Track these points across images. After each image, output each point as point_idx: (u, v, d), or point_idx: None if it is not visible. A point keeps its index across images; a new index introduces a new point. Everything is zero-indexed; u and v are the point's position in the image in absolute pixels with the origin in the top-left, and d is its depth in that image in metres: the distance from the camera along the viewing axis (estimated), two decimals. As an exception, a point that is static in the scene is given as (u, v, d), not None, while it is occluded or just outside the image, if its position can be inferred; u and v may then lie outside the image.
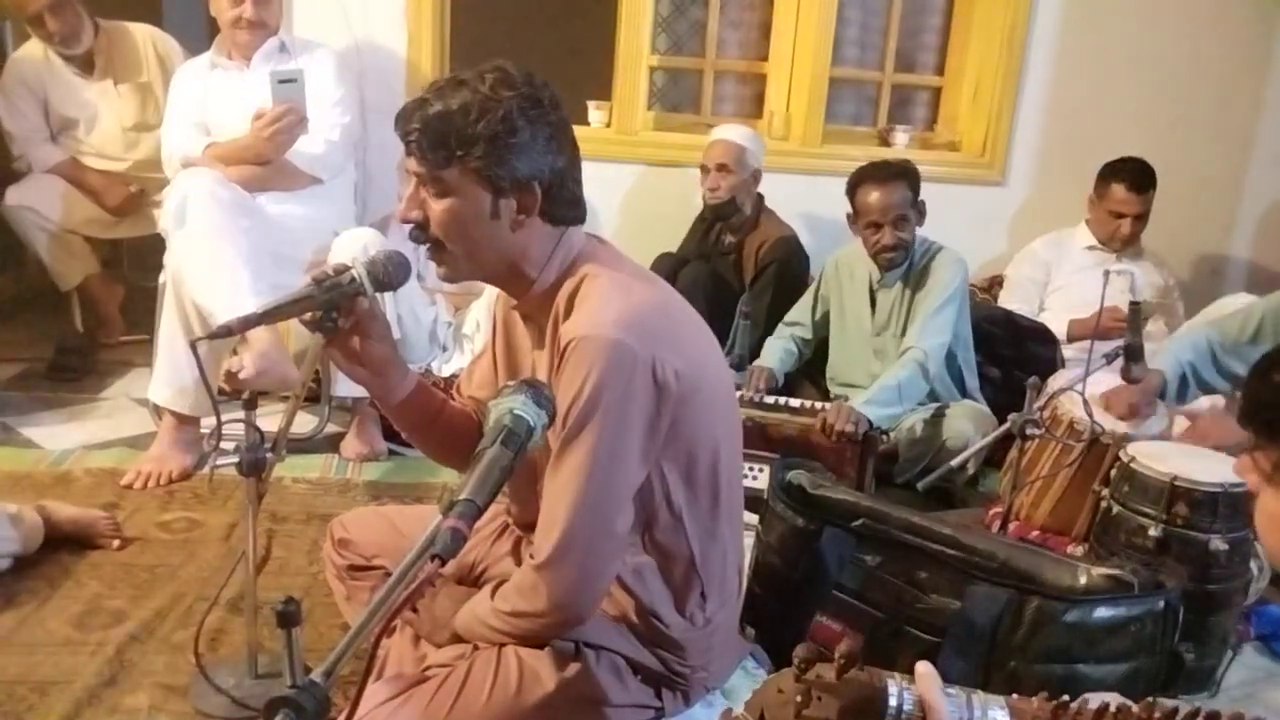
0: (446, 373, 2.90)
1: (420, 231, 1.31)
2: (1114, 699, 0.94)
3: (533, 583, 1.28)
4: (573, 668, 1.32)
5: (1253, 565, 2.00)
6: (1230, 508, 1.91)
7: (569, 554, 1.25)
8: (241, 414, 1.63)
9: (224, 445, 1.70)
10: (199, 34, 3.34)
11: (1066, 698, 0.93)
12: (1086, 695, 0.95)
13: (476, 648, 1.34)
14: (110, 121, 3.20)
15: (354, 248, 2.56)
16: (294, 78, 2.66)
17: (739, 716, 0.93)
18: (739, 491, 1.48)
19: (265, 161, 2.73)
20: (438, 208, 1.29)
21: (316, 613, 1.98)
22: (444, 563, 0.86)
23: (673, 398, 1.26)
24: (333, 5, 3.25)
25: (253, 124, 2.68)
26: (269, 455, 1.64)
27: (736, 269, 3.22)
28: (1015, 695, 0.95)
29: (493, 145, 1.24)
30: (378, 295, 1.47)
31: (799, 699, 0.88)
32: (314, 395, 2.89)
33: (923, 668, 0.90)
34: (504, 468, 0.98)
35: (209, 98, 2.85)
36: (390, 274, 1.62)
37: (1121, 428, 2.29)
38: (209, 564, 2.18)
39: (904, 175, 2.76)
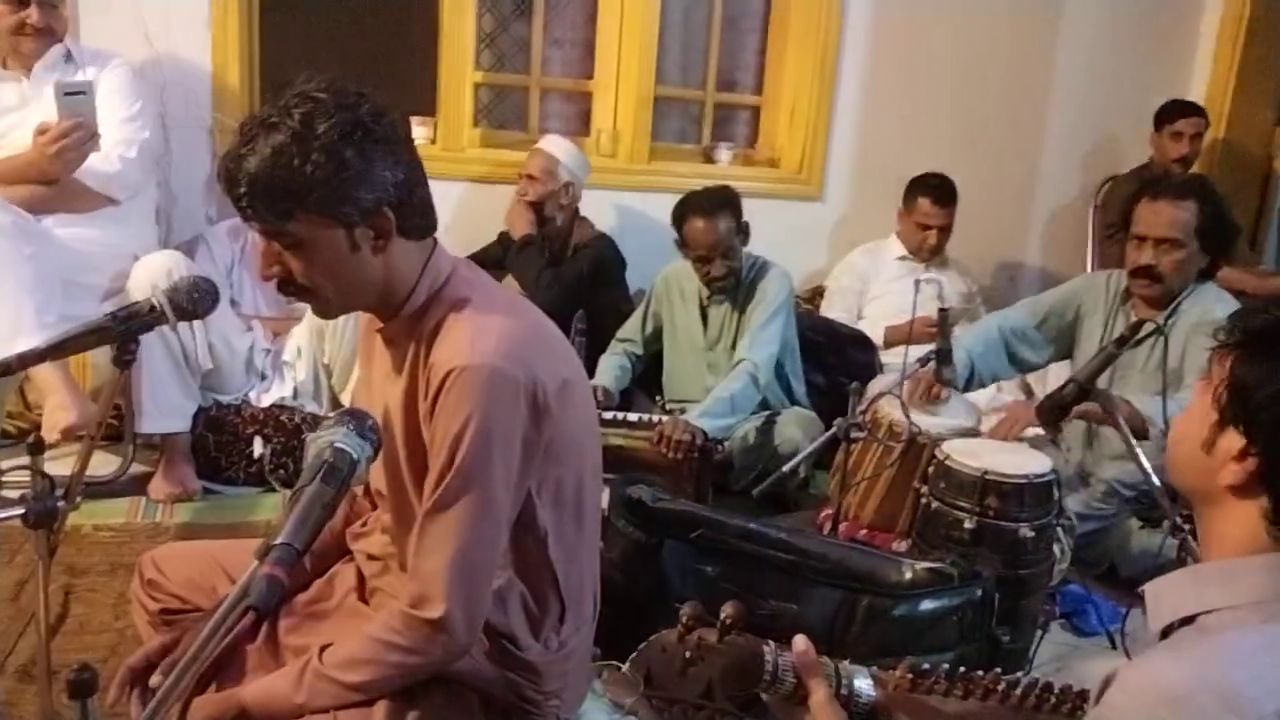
0: (266, 403, 2.74)
1: (287, 284, 1.25)
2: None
3: (408, 623, 1.22)
4: (416, 715, 1.25)
5: (1055, 549, 2.15)
6: (1035, 498, 2.05)
7: (459, 592, 1.21)
8: (26, 459, 1.47)
9: (7, 494, 1.54)
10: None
11: (927, 666, 0.99)
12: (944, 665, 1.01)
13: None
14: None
15: (155, 273, 2.40)
16: (83, 90, 2.47)
17: (626, 672, 0.96)
18: (598, 513, 1.46)
19: (51, 181, 2.52)
20: (295, 259, 1.22)
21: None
22: (260, 616, 0.80)
23: (551, 420, 1.25)
24: (127, 13, 3.02)
25: (35, 140, 2.46)
26: (60, 504, 1.48)
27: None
28: (875, 667, 1.01)
29: (326, 186, 1.17)
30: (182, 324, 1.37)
31: (684, 656, 0.91)
32: (116, 433, 2.67)
33: (800, 643, 0.97)
34: (325, 505, 0.92)
35: (-18, 111, 2.60)
36: (195, 301, 1.53)
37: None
38: (-5, 628, 1.96)
39: (727, 205, 2.83)
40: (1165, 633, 0.88)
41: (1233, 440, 0.86)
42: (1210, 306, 2.47)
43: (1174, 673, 0.79)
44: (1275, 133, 4.05)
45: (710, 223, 2.79)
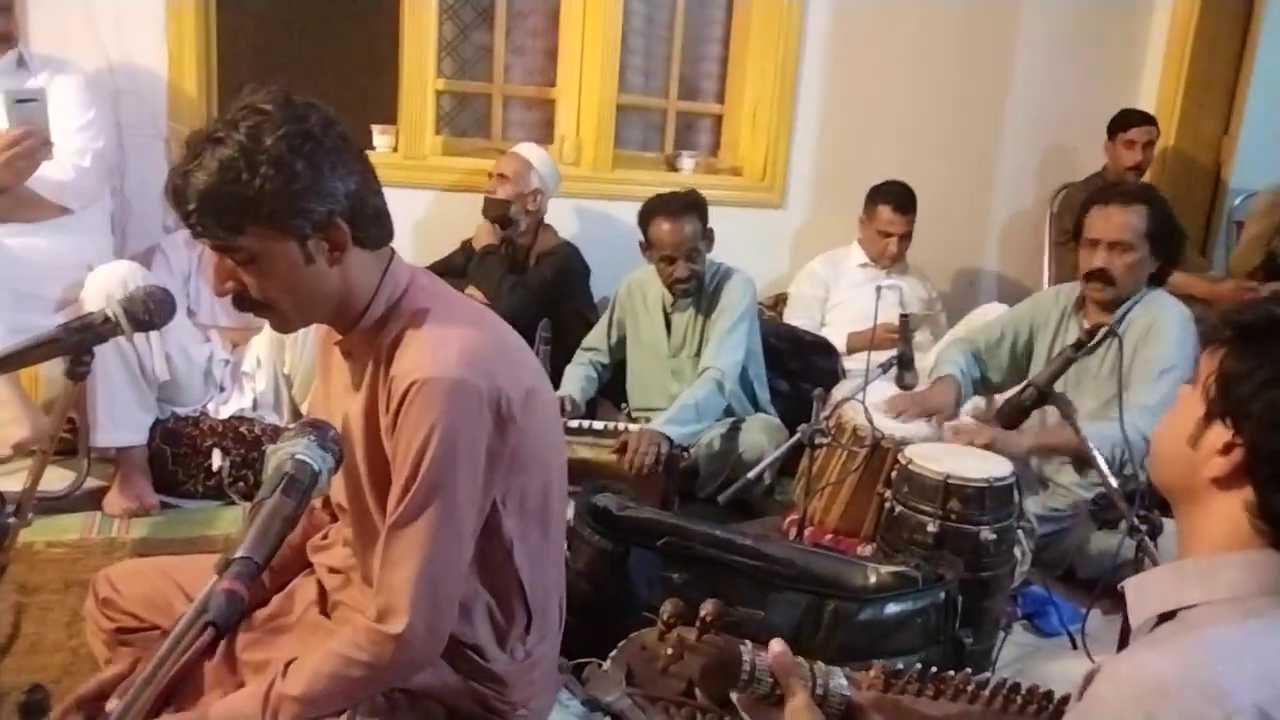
0: (225, 414, 2.70)
1: (242, 299, 1.24)
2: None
3: (372, 637, 1.21)
4: None
5: (1016, 551, 2.18)
6: (996, 501, 2.07)
7: (424, 605, 1.20)
8: (-25, 476, 1.43)
9: (-46, 512, 1.49)
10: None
11: (900, 667, 1.00)
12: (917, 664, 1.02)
13: None
14: None
15: (110, 284, 2.35)
16: (34, 97, 2.43)
17: (608, 670, 0.96)
18: (564, 522, 1.46)
19: (1, 190, 2.45)
20: (249, 274, 1.21)
21: (79, 692, 1.76)
22: (220, 632, 0.78)
23: (516, 430, 1.25)
24: (80, 20, 2.96)
25: (-16, 147, 2.40)
26: (12, 520, 1.44)
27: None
28: (848, 668, 1.02)
29: (276, 199, 1.15)
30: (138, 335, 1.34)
31: (666, 654, 0.92)
32: (70, 447, 2.61)
33: (777, 645, 0.98)
34: (286, 518, 0.91)
35: (-71, 118, 2.53)
36: (152, 312, 1.50)
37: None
38: (-57, 649, 1.91)
39: (694, 207, 2.84)
40: (1126, 635, 0.90)
41: (1219, 434, 0.86)
42: (1161, 311, 2.53)
43: (1160, 666, 0.79)
44: (1223, 141, 4.16)
45: (676, 224, 2.80)
